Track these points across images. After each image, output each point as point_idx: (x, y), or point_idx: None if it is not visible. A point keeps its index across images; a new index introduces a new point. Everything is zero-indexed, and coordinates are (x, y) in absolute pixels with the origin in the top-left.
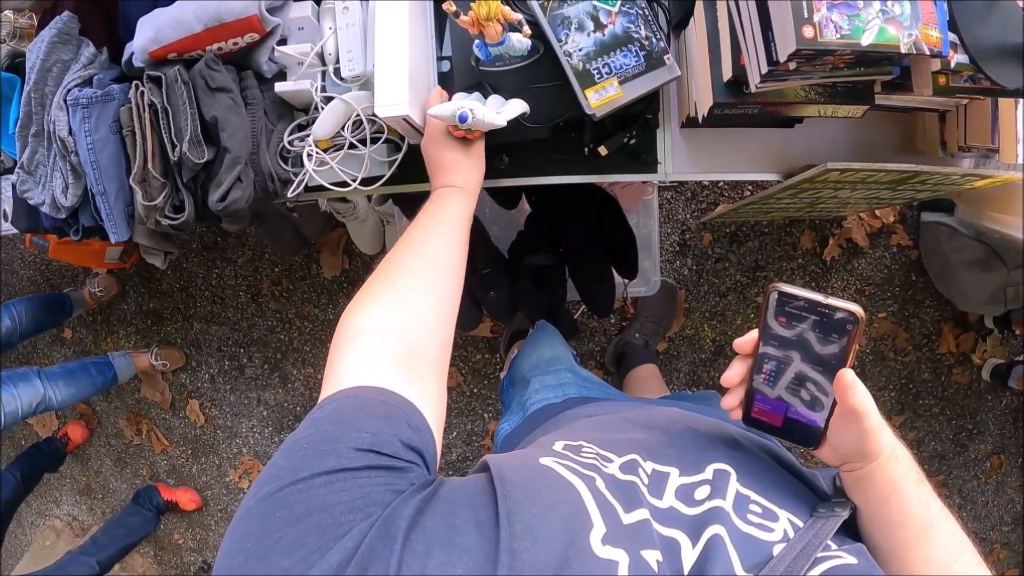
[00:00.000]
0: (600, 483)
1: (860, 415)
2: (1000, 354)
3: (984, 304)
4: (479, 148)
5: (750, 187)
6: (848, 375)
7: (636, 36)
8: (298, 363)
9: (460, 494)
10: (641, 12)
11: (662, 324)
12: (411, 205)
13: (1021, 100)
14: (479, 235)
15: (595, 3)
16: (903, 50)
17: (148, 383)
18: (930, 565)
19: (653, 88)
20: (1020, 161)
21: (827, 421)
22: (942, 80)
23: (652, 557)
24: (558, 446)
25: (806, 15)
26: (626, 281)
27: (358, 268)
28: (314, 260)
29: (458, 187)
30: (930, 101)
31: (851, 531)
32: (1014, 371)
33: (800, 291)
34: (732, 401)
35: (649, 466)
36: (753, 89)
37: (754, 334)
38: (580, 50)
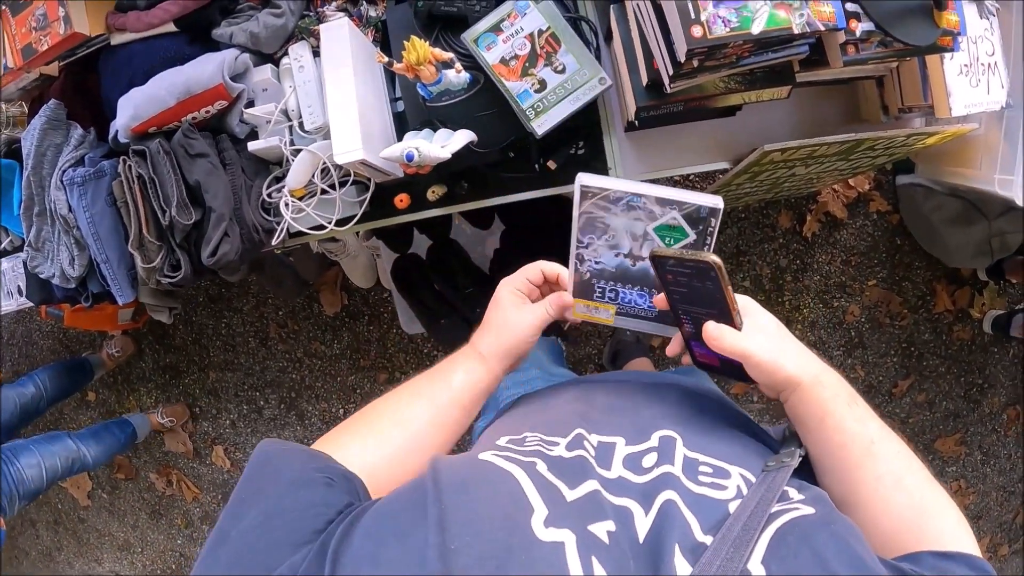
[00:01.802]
0: (542, 466)
1: (744, 356)
2: (999, 305)
3: (972, 258)
4: (531, 321)
5: (719, 175)
6: (709, 328)
7: None
8: (312, 399)
9: (386, 506)
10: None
11: None
12: (391, 237)
13: (943, 54)
14: (459, 257)
15: (649, 229)
16: (796, 31)
17: (170, 436)
18: (880, 482)
19: (643, 330)
20: (953, 113)
21: None
22: (851, 50)
23: (603, 528)
24: (502, 441)
25: (693, 15)
26: None
27: (357, 303)
28: (315, 300)
29: (478, 352)
30: (858, 70)
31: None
32: (1015, 320)
33: (669, 252)
34: (674, 348)
35: (595, 438)
36: (669, 90)
37: (663, 294)
38: (597, 263)
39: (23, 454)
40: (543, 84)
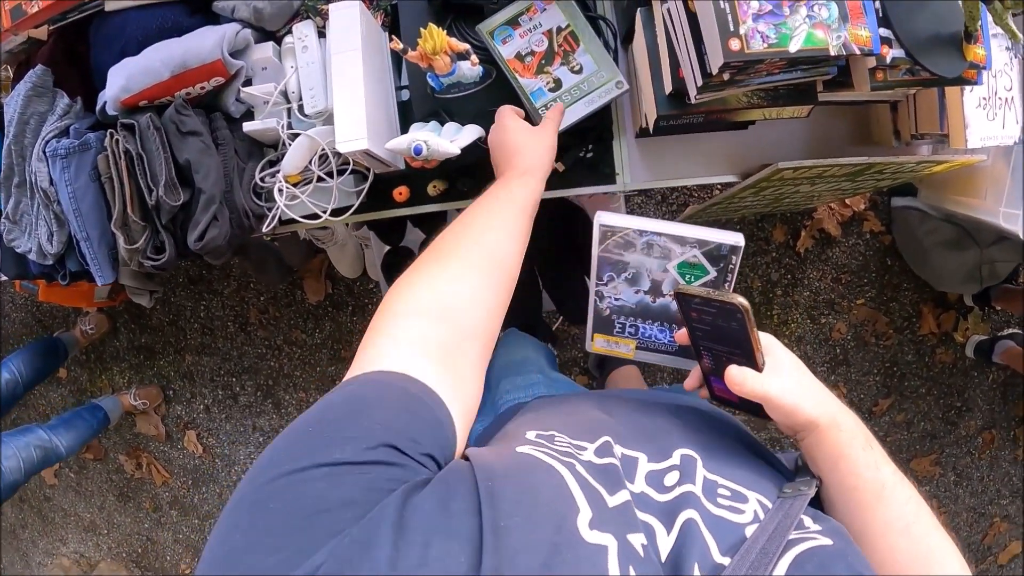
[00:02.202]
0: (580, 468)
1: (765, 400)
2: (982, 330)
3: (961, 283)
4: (548, 130)
5: (719, 187)
6: (732, 372)
7: None
8: (290, 388)
9: (455, 478)
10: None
11: None
12: (384, 229)
13: (964, 87)
14: None
15: (670, 268)
16: (833, 52)
17: (142, 418)
18: (889, 527)
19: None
20: (969, 145)
21: None
22: (880, 76)
23: (638, 541)
24: (531, 435)
25: (732, 28)
26: None
27: (342, 292)
28: (298, 287)
29: (524, 169)
30: (876, 95)
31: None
32: (998, 346)
33: (694, 290)
34: (692, 382)
35: (619, 450)
36: (694, 101)
37: (685, 330)
38: (616, 300)
39: None
40: (558, 83)
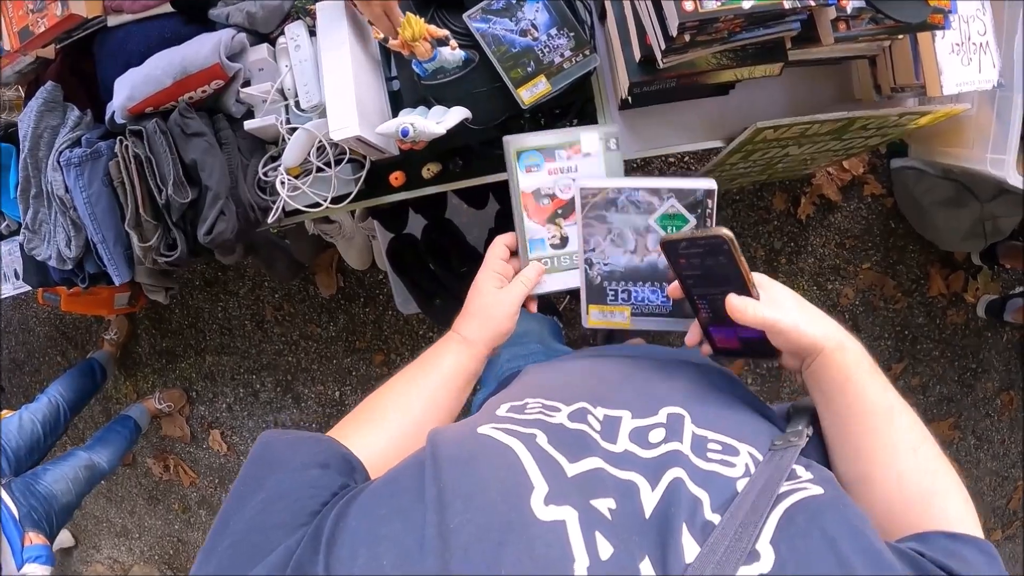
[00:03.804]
0: (542, 439)
1: (770, 324)
2: (993, 289)
3: (965, 241)
4: (511, 296)
5: (713, 154)
6: (732, 300)
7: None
8: (308, 382)
9: (384, 486)
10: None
11: None
12: (387, 217)
13: (935, 32)
14: (454, 237)
15: (652, 223)
16: (787, 5)
17: (167, 421)
18: (896, 450)
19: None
20: (944, 92)
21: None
22: (843, 26)
23: (604, 505)
24: (502, 410)
25: None
26: None
27: (353, 284)
28: (310, 282)
29: (462, 337)
30: (849, 48)
31: (820, 456)
32: (1010, 304)
33: (678, 234)
34: (692, 338)
35: (600, 412)
36: (661, 65)
37: (677, 283)
38: (605, 264)
39: (45, 475)
40: (564, 241)
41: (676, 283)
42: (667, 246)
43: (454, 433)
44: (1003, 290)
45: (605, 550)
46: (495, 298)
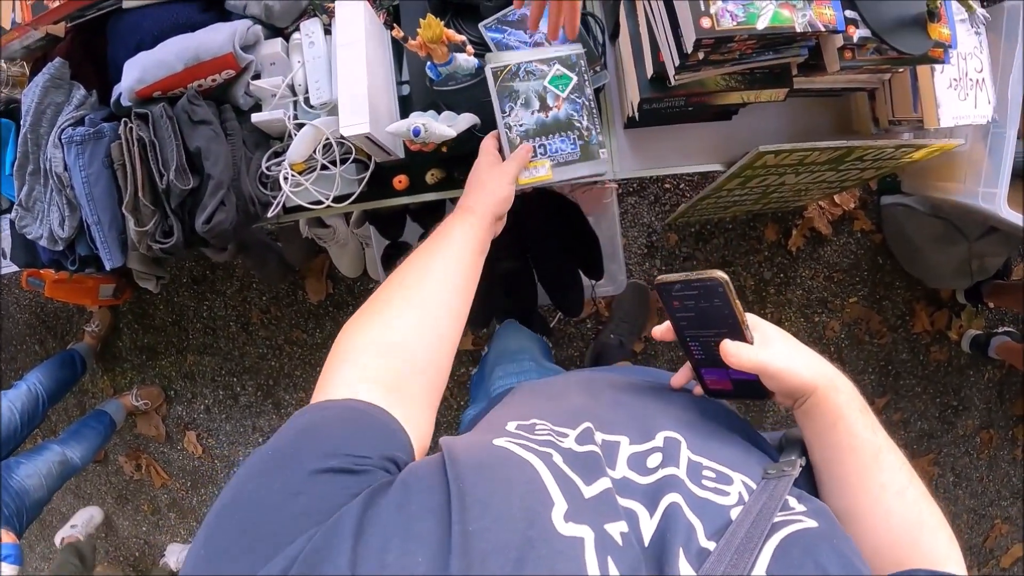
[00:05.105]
0: (557, 458)
1: (763, 368)
2: (977, 326)
3: (951, 279)
4: (505, 172)
5: (713, 177)
6: (726, 346)
7: (577, 125)
8: (290, 388)
9: (414, 479)
10: (587, 104)
11: (636, 324)
12: (385, 225)
13: (934, 65)
14: None
15: (546, 84)
16: (798, 29)
17: (142, 419)
18: (885, 489)
19: (581, 176)
20: (941, 124)
21: None
22: (848, 55)
23: (616, 529)
24: (511, 426)
25: (703, 8)
26: (593, 282)
27: (342, 292)
28: (300, 287)
29: (467, 208)
30: (852, 79)
31: (811, 487)
32: (994, 340)
33: (672, 276)
34: (680, 379)
35: (599, 437)
36: (673, 82)
37: (668, 323)
38: (520, 126)
39: (18, 469)
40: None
41: (667, 324)
42: (661, 288)
43: (468, 443)
44: (986, 327)
45: (615, 574)
46: (493, 171)
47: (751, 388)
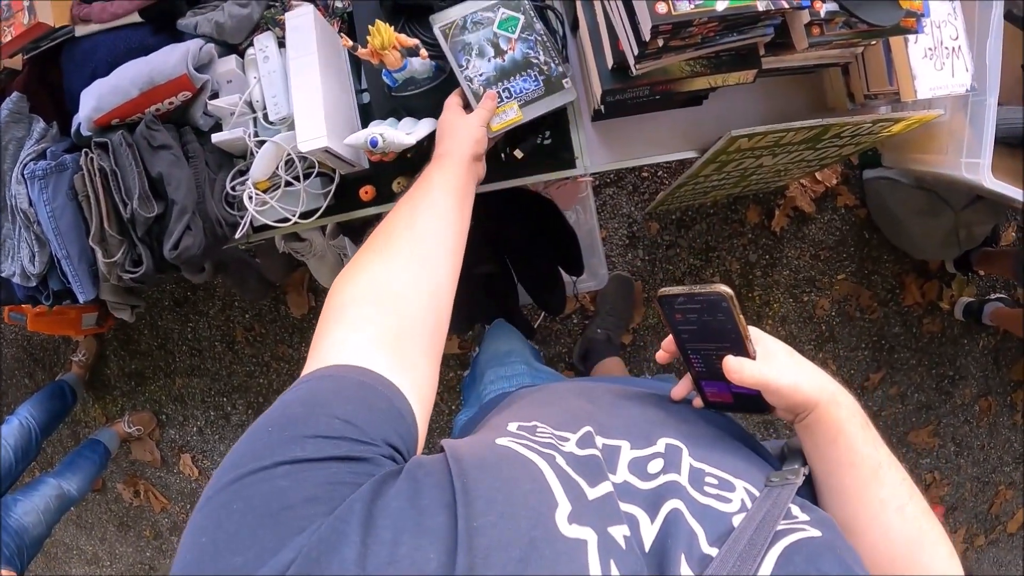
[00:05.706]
0: (560, 460)
1: (765, 384)
2: (968, 294)
3: (939, 249)
4: (474, 116)
5: (689, 165)
6: (728, 362)
7: (535, 62)
8: None
9: (423, 472)
10: (540, 38)
11: (623, 317)
12: (359, 235)
13: (907, 36)
14: None
15: (495, 30)
16: (760, 8)
17: (137, 445)
18: (884, 506)
19: (552, 109)
20: (918, 96)
21: None
22: (816, 31)
23: (619, 533)
24: (512, 427)
25: None
26: (574, 278)
27: (323, 304)
28: (282, 302)
29: (441, 154)
30: (823, 55)
31: (813, 497)
32: (987, 307)
33: (675, 289)
34: (681, 391)
35: (600, 441)
36: (635, 71)
37: (670, 339)
38: (480, 75)
39: (15, 507)
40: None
41: (669, 339)
42: (663, 301)
43: (470, 443)
44: (978, 295)
45: None
46: (462, 119)
47: (752, 402)
